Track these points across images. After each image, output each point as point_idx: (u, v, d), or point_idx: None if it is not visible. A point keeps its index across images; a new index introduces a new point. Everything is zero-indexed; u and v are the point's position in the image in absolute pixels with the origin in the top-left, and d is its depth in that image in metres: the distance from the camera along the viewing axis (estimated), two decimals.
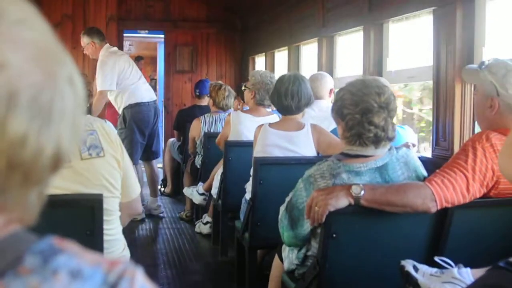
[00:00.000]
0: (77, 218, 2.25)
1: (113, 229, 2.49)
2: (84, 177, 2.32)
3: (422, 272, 2.17)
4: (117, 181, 2.45)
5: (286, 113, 3.97)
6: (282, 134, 3.89)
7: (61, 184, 2.25)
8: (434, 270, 2.18)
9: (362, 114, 2.44)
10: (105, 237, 2.34)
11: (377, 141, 2.47)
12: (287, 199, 2.67)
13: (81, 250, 0.77)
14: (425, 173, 2.57)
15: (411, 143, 3.71)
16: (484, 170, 2.34)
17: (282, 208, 2.70)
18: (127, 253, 2.66)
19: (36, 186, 0.78)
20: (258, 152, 3.93)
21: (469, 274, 2.11)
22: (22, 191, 0.76)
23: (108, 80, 6.22)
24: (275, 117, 4.81)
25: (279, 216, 2.72)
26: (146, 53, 15.37)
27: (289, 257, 2.83)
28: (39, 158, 0.74)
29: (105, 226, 2.34)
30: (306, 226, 2.53)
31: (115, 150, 2.43)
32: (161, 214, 6.87)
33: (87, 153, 2.34)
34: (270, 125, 3.98)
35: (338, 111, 2.54)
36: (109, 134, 2.46)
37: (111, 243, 2.50)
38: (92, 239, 2.20)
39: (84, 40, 6.52)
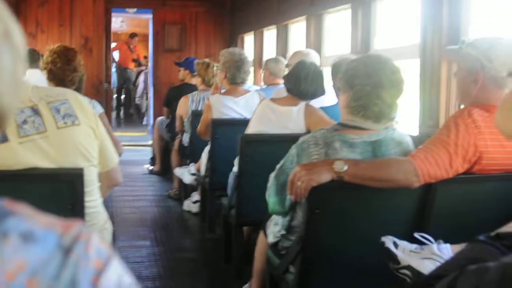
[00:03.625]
0: (58, 192, 2.23)
1: (93, 201, 2.48)
2: (62, 145, 2.30)
3: (402, 248, 2.18)
4: (94, 149, 2.44)
5: (299, 98, 3.93)
6: (278, 109, 3.89)
7: (39, 155, 2.23)
8: (414, 246, 2.19)
9: (373, 87, 2.44)
10: (86, 210, 2.33)
11: (379, 117, 2.47)
12: (278, 166, 2.68)
13: (33, 213, 0.75)
14: None
15: (394, 121, 3.70)
16: (467, 146, 2.35)
17: (272, 175, 2.70)
18: (109, 226, 2.66)
19: None
20: (253, 125, 3.96)
21: (448, 250, 2.12)
22: None
23: None
24: (254, 94, 4.82)
25: (268, 184, 2.73)
26: (138, 30, 15.25)
27: (273, 231, 2.84)
28: None
29: (85, 198, 2.33)
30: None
31: (89, 119, 2.42)
32: None
33: (62, 122, 2.32)
34: (271, 99, 4.01)
35: (349, 80, 2.51)
36: (82, 103, 2.44)
37: (92, 216, 2.49)
38: (73, 213, 2.19)
39: None
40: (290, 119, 3.87)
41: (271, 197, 2.67)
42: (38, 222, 0.74)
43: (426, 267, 2.09)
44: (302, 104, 3.90)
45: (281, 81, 4.76)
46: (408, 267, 2.14)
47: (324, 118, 3.84)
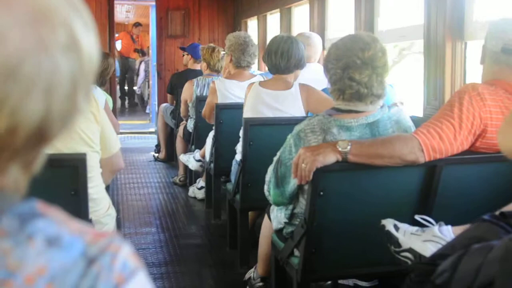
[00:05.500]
0: (61, 178, 2.21)
1: (95, 187, 2.47)
2: None
3: (403, 231, 2.16)
4: (95, 135, 2.42)
5: (275, 72, 3.91)
6: (271, 93, 3.84)
7: None
8: (415, 228, 2.17)
9: (343, 70, 2.43)
10: (89, 196, 2.32)
11: (360, 98, 2.45)
12: (275, 158, 2.66)
13: (66, 218, 0.73)
14: None
15: (399, 102, 3.67)
16: (472, 118, 2.34)
17: (271, 168, 2.69)
18: (112, 211, 2.65)
19: (16, 160, 0.71)
20: (247, 111, 3.90)
21: (450, 232, 2.10)
22: None
23: None
24: (260, 78, 4.76)
25: (267, 177, 2.71)
26: (144, 20, 15.20)
27: (278, 216, 2.83)
28: (16, 132, 0.67)
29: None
30: (293, 183, 2.51)
31: (90, 104, 2.40)
32: None
33: None
34: (261, 83, 3.94)
35: (324, 65, 2.55)
36: None
37: (96, 202, 2.48)
38: (77, 199, 2.18)
39: None
40: (287, 104, 3.81)
41: (272, 190, 2.66)
42: (67, 227, 0.71)
43: (428, 249, 2.07)
44: (296, 86, 3.84)
45: None
46: (410, 250, 2.12)
47: (323, 97, 3.77)
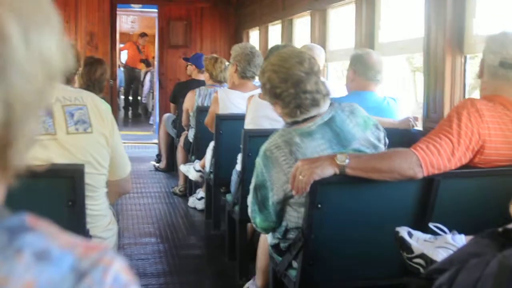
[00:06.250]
0: (58, 189, 2.21)
1: (98, 205, 2.45)
2: (68, 151, 2.27)
3: (416, 238, 2.17)
4: (104, 158, 2.40)
5: None
6: (269, 104, 3.84)
7: (43, 156, 2.21)
8: (428, 236, 2.17)
9: (295, 87, 2.53)
10: (89, 212, 2.32)
11: (316, 104, 2.55)
12: (251, 187, 2.68)
13: (57, 231, 0.71)
14: (375, 121, 2.65)
15: (412, 116, 3.65)
16: (470, 134, 2.34)
17: (250, 198, 2.71)
18: (113, 226, 2.62)
19: None
20: (248, 123, 3.91)
21: (463, 240, 2.10)
22: None
23: None
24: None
25: (249, 210, 2.75)
26: (148, 31, 15.21)
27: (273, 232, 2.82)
28: None
29: (89, 202, 2.32)
30: (271, 195, 2.56)
31: (104, 127, 2.37)
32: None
33: (73, 128, 2.28)
34: (260, 95, 3.94)
35: (270, 92, 2.61)
36: (99, 110, 2.40)
37: (96, 218, 2.46)
38: (74, 210, 2.18)
39: None
40: None
41: (257, 218, 2.70)
42: (57, 241, 0.69)
43: (439, 255, 2.07)
44: None
45: None
46: (422, 255, 2.12)
47: None
